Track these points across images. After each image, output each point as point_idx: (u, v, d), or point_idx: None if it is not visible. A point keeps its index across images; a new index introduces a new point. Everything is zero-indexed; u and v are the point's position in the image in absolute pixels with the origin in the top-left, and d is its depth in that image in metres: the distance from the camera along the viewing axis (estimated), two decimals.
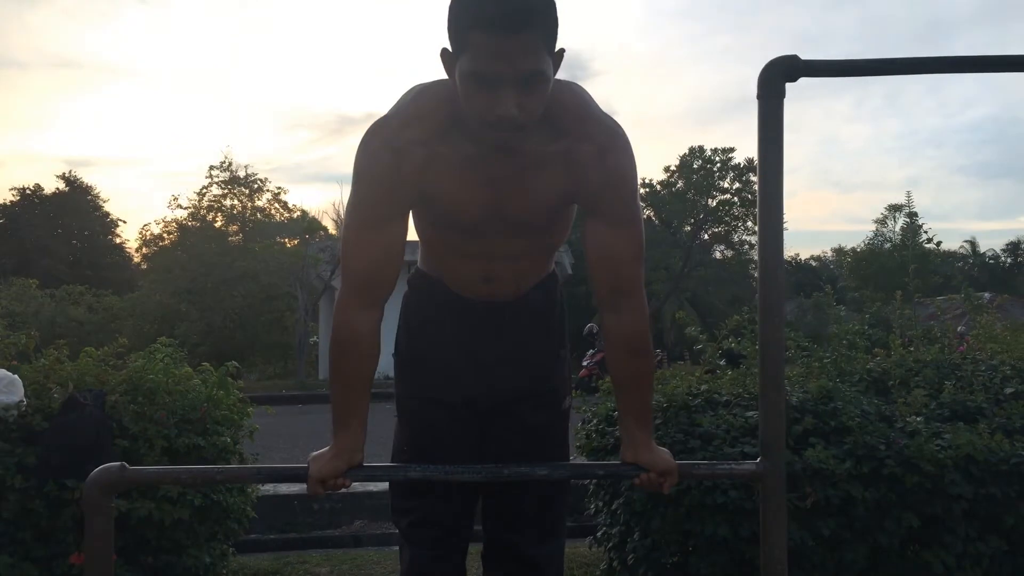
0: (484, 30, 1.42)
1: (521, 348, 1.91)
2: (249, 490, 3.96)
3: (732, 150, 30.07)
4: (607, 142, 1.66)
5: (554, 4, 1.50)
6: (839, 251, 41.61)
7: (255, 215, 23.59)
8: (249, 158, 54.29)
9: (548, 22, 1.48)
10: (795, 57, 1.70)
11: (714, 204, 30.49)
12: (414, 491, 1.93)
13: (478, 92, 1.47)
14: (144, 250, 25.41)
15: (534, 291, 1.91)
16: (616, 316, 1.76)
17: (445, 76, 1.61)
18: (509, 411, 1.92)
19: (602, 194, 1.68)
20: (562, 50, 1.56)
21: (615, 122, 1.70)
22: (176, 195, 25.03)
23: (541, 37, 1.46)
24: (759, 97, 1.71)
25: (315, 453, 1.76)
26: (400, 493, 2.00)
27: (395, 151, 1.62)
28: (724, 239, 31.26)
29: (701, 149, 30.45)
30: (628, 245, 1.72)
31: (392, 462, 2.00)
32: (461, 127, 1.60)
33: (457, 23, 1.47)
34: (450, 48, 1.52)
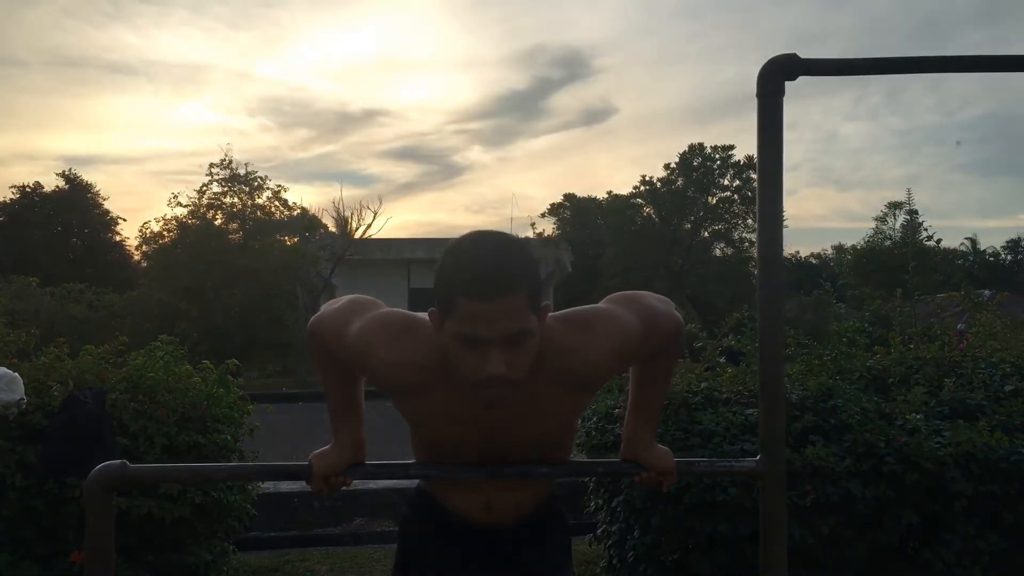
0: (467, 297, 1.46)
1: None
2: (249, 488, 3.97)
3: (732, 148, 30.10)
4: (596, 348, 1.64)
5: (536, 265, 1.55)
6: (839, 249, 41.54)
7: (255, 213, 23.53)
8: (249, 156, 54.33)
9: (528, 283, 1.51)
10: (794, 56, 1.70)
11: (714, 202, 30.50)
12: None
13: (467, 353, 1.50)
14: (144, 248, 25.34)
15: (538, 514, 1.89)
16: (659, 350, 1.78)
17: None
18: None
19: (623, 367, 1.72)
20: (547, 305, 1.59)
21: (588, 316, 1.68)
22: (176, 193, 24.94)
23: (523, 298, 1.49)
24: (759, 95, 1.71)
25: (317, 451, 1.77)
26: None
27: (390, 365, 1.62)
28: (724, 237, 31.26)
29: (701, 147, 30.45)
30: (659, 337, 1.71)
31: None
32: (451, 375, 1.60)
33: (443, 289, 1.51)
34: (437, 311, 1.55)
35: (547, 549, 1.92)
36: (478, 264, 1.47)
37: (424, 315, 1.67)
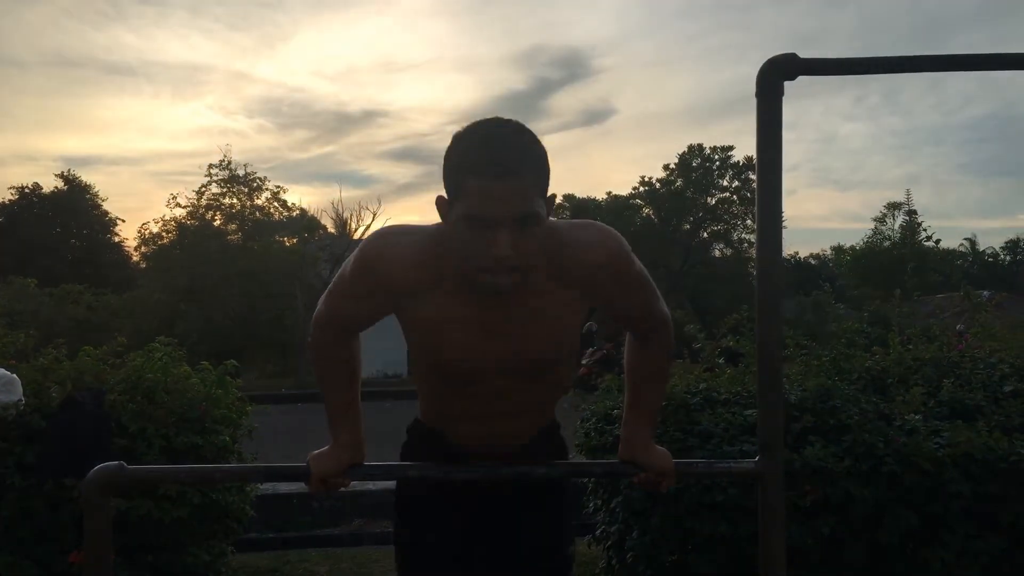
0: (476, 175, 1.47)
1: (525, 503, 1.88)
2: (248, 489, 3.97)
3: (731, 148, 30.12)
4: (597, 247, 1.66)
5: (544, 152, 1.55)
6: (838, 249, 41.62)
7: (254, 214, 23.55)
8: (248, 157, 54.32)
9: (538, 166, 1.53)
10: (793, 55, 1.70)
11: (713, 202, 30.52)
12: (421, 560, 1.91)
13: (474, 235, 1.50)
14: (143, 249, 25.36)
15: (538, 441, 1.89)
16: (643, 339, 1.81)
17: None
18: (513, 563, 1.90)
19: (608, 290, 1.70)
20: (554, 196, 1.59)
21: (589, 221, 1.72)
22: (175, 194, 24.95)
23: (532, 180, 1.50)
24: (758, 95, 1.71)
25: (315, 452, 1.76)
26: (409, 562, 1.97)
27: (392, 268, 1.63)
28: (723, 237, 31.28)
29: (700, 147, 30.48)
30: (645, 304, 1.75)
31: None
32: (457, 272, 1.60)
33: (452, 171, 1.52)
34: (446, 195, 1.55)
35: (547, 517, 1.91)
36: (489, 143, 1.49)
37: (418, 223, 1.69)
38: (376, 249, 1.64)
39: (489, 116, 1.56)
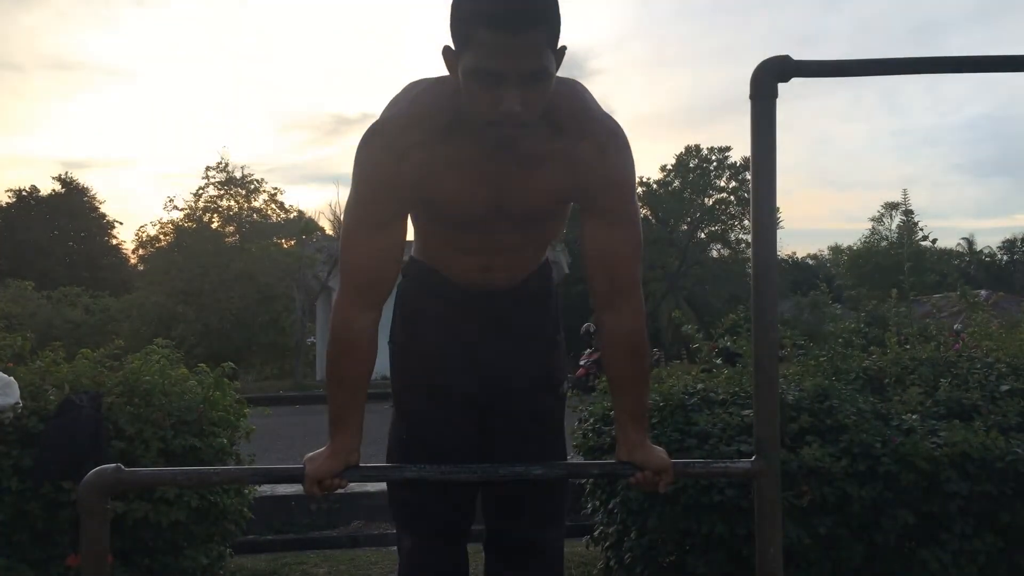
0: (489, 28, 1.43)
1: (519, 335, 1.93)
2: (246, 491, 3.96)
3: (728, 149, 30.14)
4: (606, 140, 1.68)
5: (557, 2, 1.51)
6: (835, 249, 41.72)
7: (251, 216, 23.56)
8: (245, 159, 54.34)
9: (552, 20, 1.49)
10: (787, 58, 1.70)
11: (710, 203, 30.54)
12: (413, 482, 1.93)
13: (482, 89, 1.48)
14: (140, 251, 25.38)
15: (530, 279, 1.93)
16: (614, 315, 1.78)
17: (443, 72, 1.61)
18: (508, 398, 1.93)
19: (601, 192, 1.69)
20: (564, 47, 1.57)
21: (614, 121, 1.71)
22: (172, 196, 24.96)
23: (545, 35, 1.47)
24: (752, 97, 1.72)
25: (311, 454, 1.76)
26: (398, 484, 2.00)
27: (395, 154, 1.62)
28: (720, 238, 31.30)
29: (697, 148, 30.50)
30: (626, 243, 1.74)
31: (390, 453, 2.00)
32: (461, 126, 1.61)
33: (461, 20, 1.48)
34: (452, 45, 1.53)
35: (538, 312, 1.97)
36: None
37: (417, 82, 1.69)
38: (373, 137, 1.64)
39: None
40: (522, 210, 1.73)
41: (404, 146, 1.62)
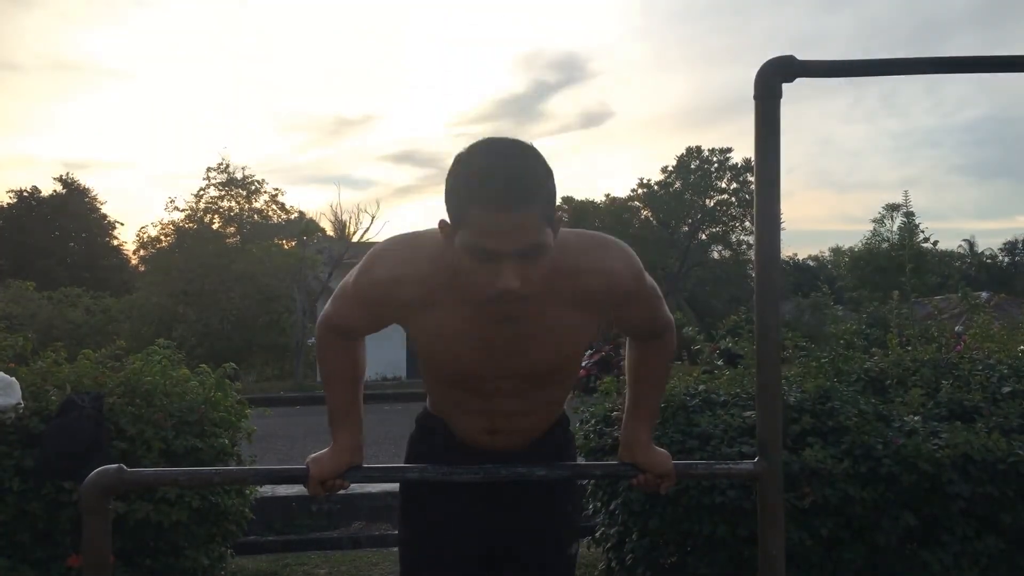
0: (482, 208, 1.41)
1: (530, 503, 1.86)
2: (247, 492, 3.96)
3: (729, 150, 30.14)
4: (611, 269, 1.63)
5: (550, 176, 1.49)
6: (837, 251, 41.64)
7: (252, 217, 23.58)
8: (246, 160, 54.32)
9: (545, 196, 1.46)
10: (791, 58, 1.70)
11: (711, 204, 30.52)
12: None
13: (479, 265, 1.45)
14: (141, 252, 25.39)
15: (544, 440, 1.86)
16: (644, 343, 1.81)
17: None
18: (516, 563, 1.88)
19: (619, 308, 1.69)
20: (560, 217, 1.55)
21: (602, 237, 1.69)
22: (173, 197, 24.97)
23: (539, 211, 1.44)
24: (756, 98, 1.71)
25: (314, 455, 1.76)
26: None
27: (396, 282, 1.61)
28: (721, 239, 31.28)
29: (698, 150, 30.50)
30: (653, 313, 1.74)
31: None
32: (461, 289, 1.57)
33: (455, 198, 1.46)
34: (448, 220, 1.51)
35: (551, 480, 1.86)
36: (493, 173, 1.41)
37: (428, 229, 1.63)
38: (383, 266, 1.62)
39: (494, 136, 1.49)
40: (533, 370, 1.69)
41: (406, 278, 1.60)
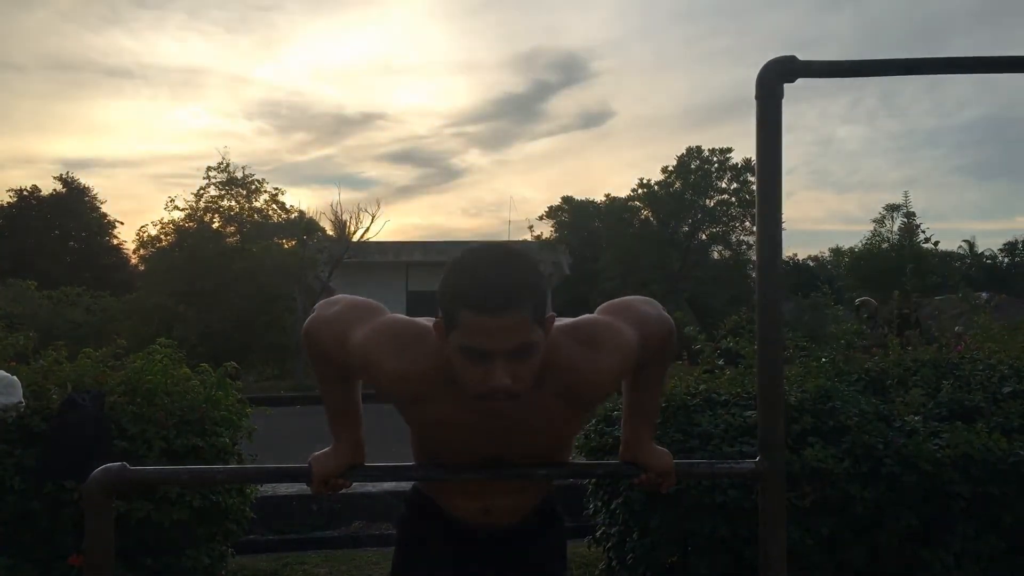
0: (474, 311, 1.46)
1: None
2: (248, 491, 3.96)
3: (730, 151, 30.07)
4: (598, 360, 1.65)
5: (541, 278, 1.55)
6: (837, 251, 41.64)
7: (252, 216, 23.51)
8: (246, 159, 54.31)
9: (534, 297, 1.51)
10: (793, 58, 1.70)
11: (712, 204, 30.49)
12: None
13: (471, 365, 1.51)
14: (141, 251, 25.30)
15: (535, 517, 1.90)
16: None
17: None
18: None
19: (615, 384, 1.73)
20: (552, 315, 1.59)
21: (594, 329, 1.69)
22: (173, 196, 24.91)
23: (529, 312, 1.49)
24: (757, 98, 1.72)
25: (316, 453, 1.77)
26: None
27: (397, 377, 1.63)
28: (722, 239, 31.23)
29: (699, 149, 30.45)
30: (658, 364, 1.78)
31: None
32: (456, 385, 1.59)
33: (447, 301, 1.52)
34: (443, 322, 1.55)
35: (543, 552, 1.92)
36: (483, 279, 1.47)
37: (427, 321, 1.68)
38: (394, 358, 1.62)
39: (484, 242, 1.57)
40: (525, 460, 1.74)
41: (405, 374, 1.62)
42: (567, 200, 31.93)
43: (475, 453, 1.71)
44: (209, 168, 23.01)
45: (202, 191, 22.96)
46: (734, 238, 30.94)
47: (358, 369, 1.67)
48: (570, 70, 56.79)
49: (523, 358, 1.50)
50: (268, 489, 5.34)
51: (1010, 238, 44.61)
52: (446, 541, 1.86)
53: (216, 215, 23.21)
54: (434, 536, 1.87)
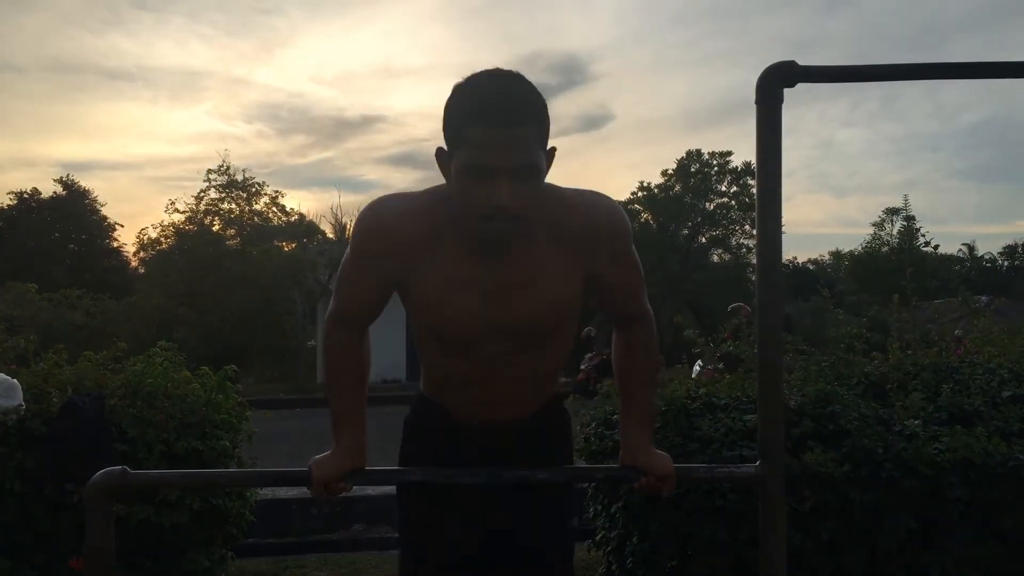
0: (480, 124, 1.48)
1: (527, 486, 1.84)
2: (248, 494, 3.96)
3: (729, 154, 30.13)
4: (596, 215, 1.69)
5: (545, 104, 1.57)
6: (837, 254, 41.68)
7: (253, 219, 23.53)
8: (247, 162, 54.38)
9: (541, 119, 1.55)
10: (793, 63, 1.70)
11: (711, 208, 30.52)
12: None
13: (473, 184, 1.52)
14: (141, 254, 25.37)
15: (541, 414, 1.87)
16: (628, 332, 1.84)
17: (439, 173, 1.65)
18: (511, 556, 1.88)
19: (604, 264, 1.71)
20: (554, 148, 1.61)
21: (596, 192, 1.74)
22: (173, 199, 24.95)
23: (534, 132, 1.52)
24: (757, 102, 1.72)
25: (317, 457, 1.77)
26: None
27: (391, 231, 1.65)
28: (721, 243, 31.27)
29: (698, 153, 30.50)
30: (633, 289, 1.78)
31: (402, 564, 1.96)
32: (458, 230, 1.62)
33: (453, 120, 1.54)
34: (446, 147, 1.57)
35: (550, 447, 1.89)
36: (491, 92, 1.51)
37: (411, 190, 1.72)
38: (374, 213, 1.67)
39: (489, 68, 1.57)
40: (527, 325, 1.70)
41: (400, 226, 1.65)
42: None
43: (477, 321, 1.67)
44: (209, 171, 23.05)
45: (202, 194, 22.99)
46: (734, 241, 30.99)
47: (365, 264, 1.68)
48: (570, 73, 56.87)
49: (525, 179, 1.52)
50: (268, 492, 5.33)
51: (1010, 242, 44.65)
52: (451, 437, 1.84)
53: (216, 218, 23.23)
54: (439, 434, 1.86)
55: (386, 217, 1.65)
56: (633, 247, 1.74)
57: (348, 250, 1.71)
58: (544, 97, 1.56)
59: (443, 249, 1.64)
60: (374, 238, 1.66)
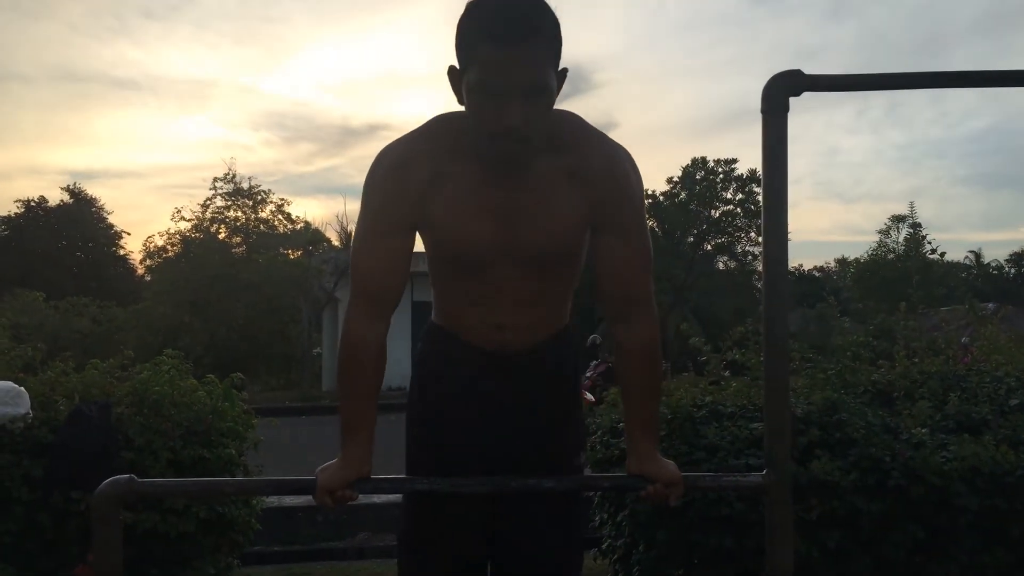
0: (492, 43, 1.48)
1: (536, 406, 1.85)
2: (254, 502, 3.96)
3: (735, 161, 30.09)
4: (612, 155, 1.71)
5: (558, 24, 1.57)
6: (842, 262, 41.64)
7: (258, 227, 23.61)
8: (253, 170, 54.55)
9: (553, 38, 1.55)
10: (799, 72, 1.71)
11: (717, 215, 30.48)
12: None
13: (485, 103, 1.53)
14: (148, 262, 25.44)
15: (550, 343, 1.86)
16: (627, 327, 1.79)
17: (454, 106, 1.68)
18: (519, 548, 1.86)
19: (611, 206, 1.71)
20: (565, 69, 1.62)
21: (615, 140, 1.75)
22: (180, 207, 25.05)
23: (546, 51, 1.53)
24: (763, 111, 1.72)
25: (323, 465, 1.77)
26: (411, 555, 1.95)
27: (403, 165, 1.67)
28: (727, 250, 31.22)
29: (704, 160, 30.46)
30: (637, 256, 1.75)
31: (405, 510, 1.97)
32: (469, 153, 1.64)
33: (465, 38, 1.54)
34: (457, 65, 1.58)
35: (555, 379, 1.89)
36: (503, 11, 1.50)
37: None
38: (388, 156, 1.69)
39: None
40: (534, 244, 1.70)
41: (411, 157, 1.67)
42: None
43: (484, 237, 1.68)
44: (215, 179, 23.17)
45: (208, 202, 23.09)
46: (740, 249, 30.94)
47: (386, 205, 1.69)
48: (574, 81, 56.77)
49: (536, 100, 1.52)
50: (274, 500, 5.34)
51: (1017, 248, 44.49)
52: (462, 365, 1.84)
53: (222, 226, 23.31)
54: (450, 362, 1.86)
55: (393, 157, 1.68)
56: (641, 205, 1.73)
57: (361, 211, 1.72)
58: (557, 17, 1.57)
59: (454, 175, 1.66)
60: (392, 176, 1.67)
